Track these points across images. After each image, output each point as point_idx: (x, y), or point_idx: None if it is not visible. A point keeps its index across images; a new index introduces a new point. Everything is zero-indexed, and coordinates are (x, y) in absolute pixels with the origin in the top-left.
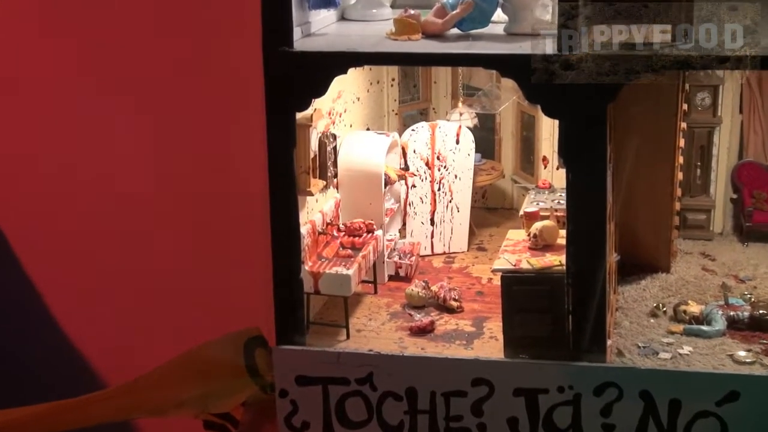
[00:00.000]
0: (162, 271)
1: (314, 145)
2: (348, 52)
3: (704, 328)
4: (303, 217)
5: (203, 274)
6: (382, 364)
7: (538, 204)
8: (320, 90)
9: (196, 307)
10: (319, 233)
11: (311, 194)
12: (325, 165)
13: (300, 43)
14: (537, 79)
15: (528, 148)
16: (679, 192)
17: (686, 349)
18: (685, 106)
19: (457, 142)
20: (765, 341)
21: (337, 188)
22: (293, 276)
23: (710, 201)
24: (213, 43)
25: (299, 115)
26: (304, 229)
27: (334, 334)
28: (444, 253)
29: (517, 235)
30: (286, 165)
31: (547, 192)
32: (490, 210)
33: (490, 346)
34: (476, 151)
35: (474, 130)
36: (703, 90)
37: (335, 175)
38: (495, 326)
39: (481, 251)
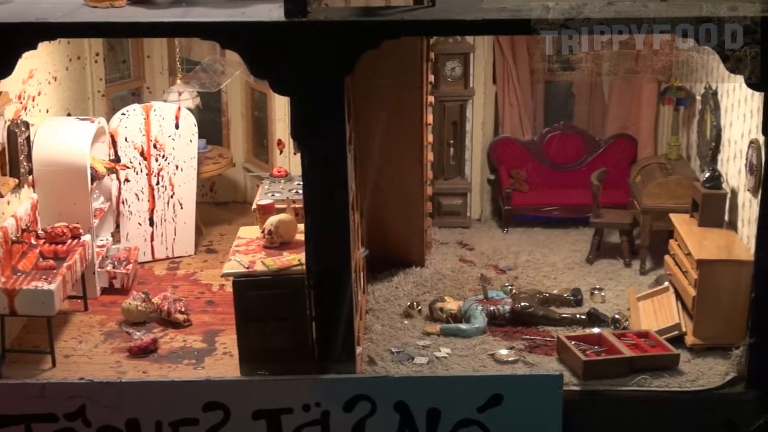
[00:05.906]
0: None
1: (1, 136)
2: (36, 22)
3: (463, 326)
4: None
5: None
6: (96, 395)
7: (273, 195)
8: (5, 69)
9: None
10: (13, 242)
11: (0, 196)
12: (16, 159)
13: None
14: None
15: (261, 130)
16: (430, 175)
17: (444, 352)
18: (432, 77)
19: (177, 126)
20: (528, 336)
21: (33, 187)
22: None
23: (466, 183)
24: None
25: None
26: None
27: (37, 362)
28: (167, 258)
29: (250, 233)
30: None
31: (283, 181)
32: (220, 205)
33: (224, 363)
34: (200, 137)
35: (196, 111)
36: (452, 58)
37: (30, 172)
38: (229, 340)
39: (211, 253)
